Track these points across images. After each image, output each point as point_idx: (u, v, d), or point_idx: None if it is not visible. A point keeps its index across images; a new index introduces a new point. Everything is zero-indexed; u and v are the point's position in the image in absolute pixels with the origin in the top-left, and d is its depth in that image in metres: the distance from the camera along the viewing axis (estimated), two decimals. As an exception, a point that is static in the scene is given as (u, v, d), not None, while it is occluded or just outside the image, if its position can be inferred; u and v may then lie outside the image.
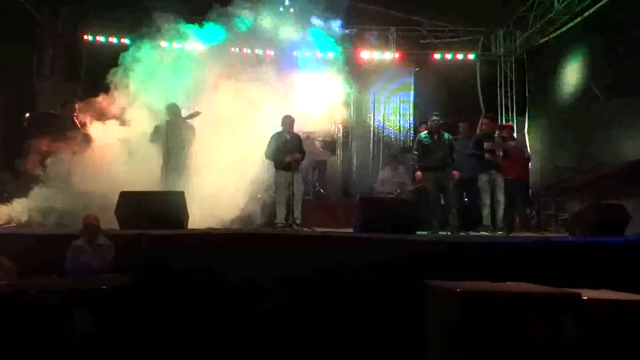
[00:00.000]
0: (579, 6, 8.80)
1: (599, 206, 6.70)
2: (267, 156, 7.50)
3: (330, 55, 10.68)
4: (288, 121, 7.53)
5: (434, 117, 7.53)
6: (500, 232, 7.28)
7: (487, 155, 7.53)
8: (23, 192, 6.84)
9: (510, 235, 7.21)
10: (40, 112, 8.33)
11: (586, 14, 8.66)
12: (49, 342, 3.45)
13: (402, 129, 11.86)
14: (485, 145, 7.58)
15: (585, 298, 3.59)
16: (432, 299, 4.13)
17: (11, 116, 8.33)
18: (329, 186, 10.39)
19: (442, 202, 7.56)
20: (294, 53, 10.50)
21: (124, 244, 5.03)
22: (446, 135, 7.51)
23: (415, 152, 7.54)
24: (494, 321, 3.49)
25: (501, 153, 7.49)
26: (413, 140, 11.05)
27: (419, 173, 7.52)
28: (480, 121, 7.95)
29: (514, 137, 8.08)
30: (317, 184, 9.89)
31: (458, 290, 3.58)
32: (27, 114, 7.98)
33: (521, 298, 3.64)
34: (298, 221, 7.16)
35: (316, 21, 10.03)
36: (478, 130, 8.64)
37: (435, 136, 7.44)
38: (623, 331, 3.53)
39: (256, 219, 7.88)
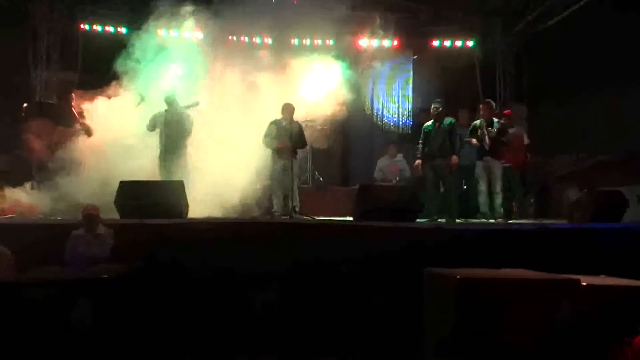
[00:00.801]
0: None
1: (597, 193, 6.71)
2: (265, 143, 7.48)
3: (328, 42, 10.63)
4: (288, 109, 7.49)
5: (435, 105, 7.50)
6: (499, 219, 7.29)
7: (473, 142, 7.55)
8: (25, 180, 6.86)
9: (508, 222, 7.24)
10: (38, 102, 8.30)
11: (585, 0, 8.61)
12: (49, 331, 3.46)
13: (400, 116, 11.80)
14: (472, 135, 7.58)
15: (584, 284, 3.60)
16: (430, 286, 4.15)
17: (8, 107, 8.29)
18: (327, 174, 10.39)
19: (442, 189, 7.56)
20: (292, 40, 10.45)
21: (123, 233, 5.04)
22: (447, 120, 7.47)
23: (421, 142, 7.55)
24: (492, 308, 3.50)
25: (488, 142, 7.44)
26: (411, 128, 11.07)
27: (418, 162, 7.50)
28: (479, 108, 7.91)
29: (512, 125, 8.07)
30: (315, 172, 9.89)
31: (456, 277, 3.58)
32: (25, 104, 7.95)
33: (519, 284, 3.66)
34: (297, 209, 7.16)
35: (313, 7, 9.94)
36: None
37: (437, 123, 7.42)
38: (622, 317, 3.55)
39: (255, 208, 7.88)
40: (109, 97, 7.79)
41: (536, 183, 9.34)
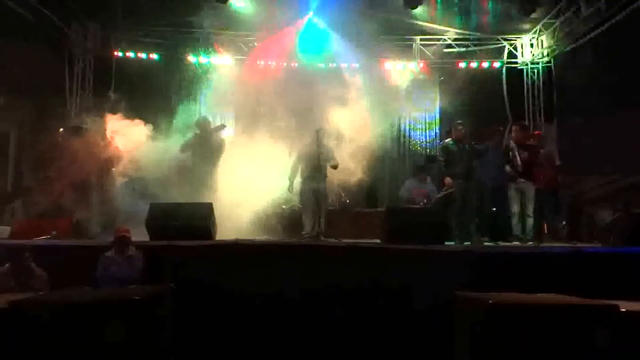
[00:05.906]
0: (607, 11, 8.62)
1: (632, 215, 6.53)
2: (294, 168, 7.50)
3: (354, 65, 10.72)
4: (317, 133, 7.49)
5: (459, 126, 7.45)
6: (531, 242, 7.14)
7: (507, 169, 7.42)
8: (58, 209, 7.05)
9: (540, 245, 7.09)
10: (73, 126, 8.53)
11: (615, 19, 8.48)
12: (81, 353, 3.50)
13: (427, 137, 11.78)
14: (511, 155, 7.47)
15: (623, 310, 3.48)
16: (461, 311, 4.07)
17: (43, 131, 8.54)
18: (354, 196, 10.36)
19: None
20: (319, 64, 10.58)
21: (154, 254, 5.11)
22: (468, 145, 7.40)
23: (442, 159, 7.47)
24: (525, 333, 3.41)
25: (519, 163, 7.31)
26: (438, 149, 11.00)
27: (448, 179, 7.37)
28: (511, 129, 7.82)
29: (542, 146, 7.96)
30: (342, 194, 9.86)
31: (489, 301, 3.51)
32: (61, 129, 8.19)
33: (555, 309, 3.56)
34: (322, 231, 7.11)
35: (340, 32, 10.07)
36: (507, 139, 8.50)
37: (461, 144, 7.35)
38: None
39: (282, 230, 7.90)
40: (140, 122, 7.98)
41: (568, 204, 9.14)
